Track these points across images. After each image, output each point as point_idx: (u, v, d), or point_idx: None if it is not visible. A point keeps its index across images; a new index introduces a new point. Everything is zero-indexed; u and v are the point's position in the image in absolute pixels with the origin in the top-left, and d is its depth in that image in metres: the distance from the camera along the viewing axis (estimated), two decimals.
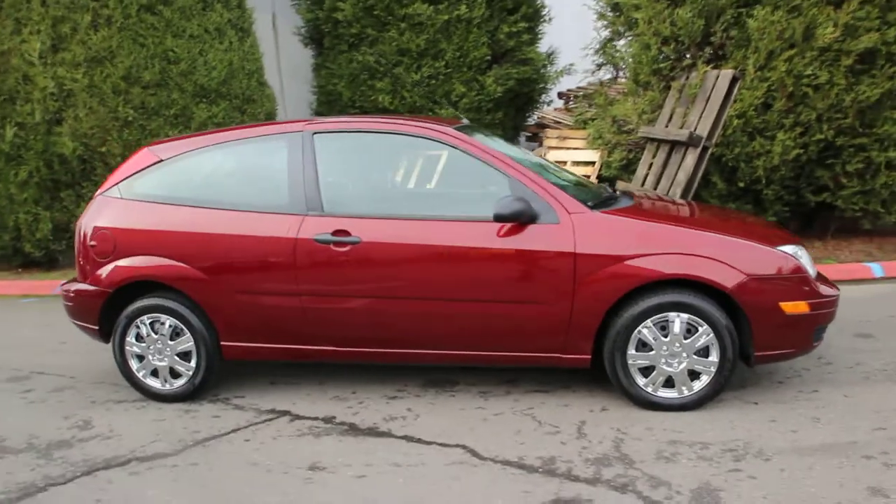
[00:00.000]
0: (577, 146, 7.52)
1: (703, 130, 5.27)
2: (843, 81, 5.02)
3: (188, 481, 2.66)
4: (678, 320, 2.94)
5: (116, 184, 3.47)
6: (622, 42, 6.66)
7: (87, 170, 6.32)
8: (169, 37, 6.31)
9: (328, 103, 8.26)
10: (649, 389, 3.03)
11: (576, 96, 8.76)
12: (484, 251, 3.04)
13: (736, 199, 5.85)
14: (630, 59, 6.30)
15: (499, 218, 2.91)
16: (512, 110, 8.37)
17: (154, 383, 3.45)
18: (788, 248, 3.04)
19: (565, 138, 7.78)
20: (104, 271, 3.37)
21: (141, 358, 3.43)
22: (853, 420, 2.86)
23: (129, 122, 6.19)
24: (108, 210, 3.45)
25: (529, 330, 3.08)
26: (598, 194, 3.47)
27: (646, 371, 3.03)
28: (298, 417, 3.20)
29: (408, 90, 7.60)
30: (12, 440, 3.09)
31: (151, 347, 3.40)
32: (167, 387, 3.43)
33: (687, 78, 5.77)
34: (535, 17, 8.18)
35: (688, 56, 5.85)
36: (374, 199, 3.33)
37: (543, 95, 8.70)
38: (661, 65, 5.98)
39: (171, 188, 3.41)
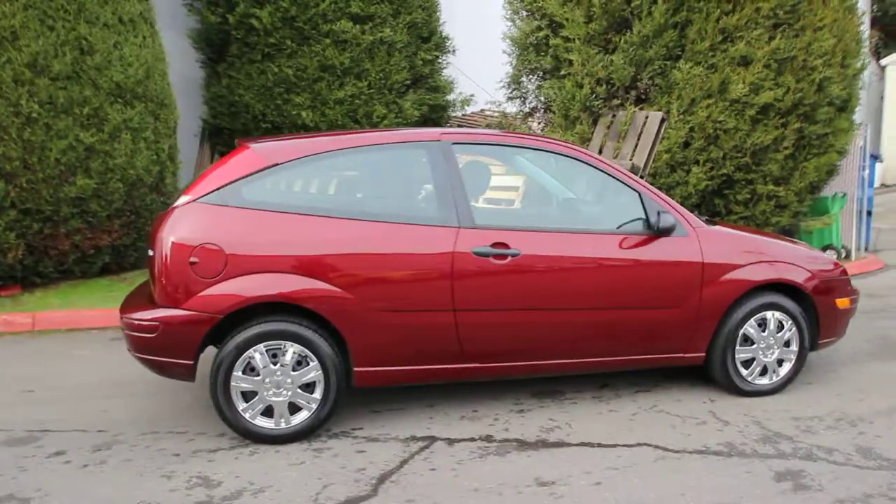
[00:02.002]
0: (498, 172, 8.00)
1: (639, 162, 6.16)
2: (746, 127, 6.32)
3: None
4: (773, 318, 3.53)
5: (216, 189, 2.94)
6: (546, 81, 7.33)
7: None
8: (82, 22, 5.30)
9: (230, 115, 7.56)
10: (750, 379, 3.55)
11: (467, 123, 9.31)
12: (632, 261, 3.29)
13: None
14: (560, 96, 7.00)
15: (660, 231, 3.21)
16: None
17: (265, 423, 2.97)
18: (828, 254, 3.85)
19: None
20: (212, 293, 2.84)
21: (250, 395, 2.94)
22: (882, 389, 3.73)
23: (32, 119, 5.01)
24: (210, 220, 2.91)
25: (661, 333, 3.40)
26: None
27: (746, 364, 3.55)
28: (454, 440, 3.05)
29: (330, 107, 7.36)
30: None
31: (268, 381, 2.93)
32: (282, 426, 2.98)
33: (614, 116, 6.66)
34: (442, 47, 8.54)
35: (616, 98, 6.75)
36: (522, 211, 3.34)
37: (448, 123, 9.06)
38: (594, 103, 6.79)
39: (293, 196, 3.03)
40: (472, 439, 3.07)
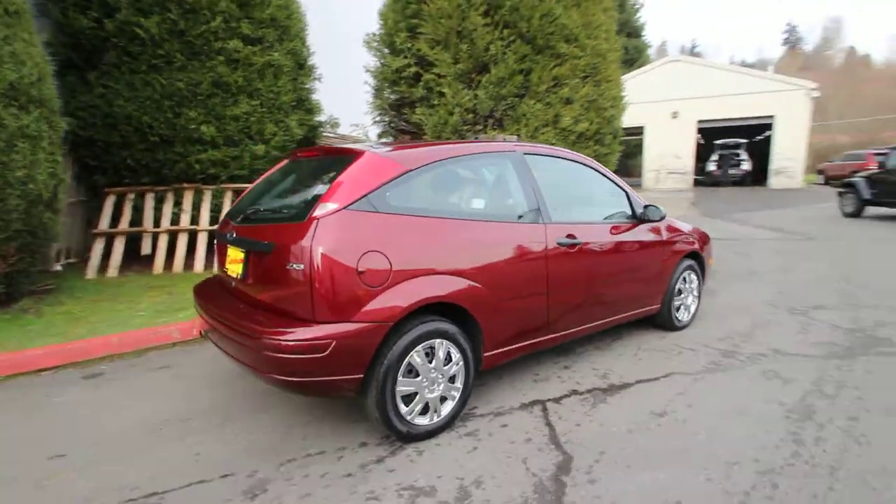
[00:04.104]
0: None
1: None
2: (567, 147, 7.14)
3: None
4: (692, 275, 4.18)
5: (364, 196, 2.33)
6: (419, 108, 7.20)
7: None
8: None
9: (105, 126, 5.73)
10: (680, 317, 4.14)
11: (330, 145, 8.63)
12: (636, 242, 3.58)
13: None
14: (431, 121, 6.96)
15: (661, 219, 3.56)
16: None
17: (423, 421, 2.50)
18: None
19: None
20: (382, 302, 2.27)
21: (409, 398, 2.43)
22: (732, 318, 4.69)
23: None
24: (369, 228, 2.30)
25: (646, 291, 3.77)
26: None
27: (678, 309, 4.14)
28: (557, 399, 2.95)
29: (227, 123, 6.12)
30: None
31: (426, 379, 2.47)
32: (434, 420, 2.55)
33: (477, 138, 6.91)
34: (310, 74, 7.73)
35: (479, 124, 7.01)
36: (566, 208, 3.29)
37: (318, 141, 8.21)
38: (462, 127, 6.94)
39: (424, 200, 2.56)
40: (567, 395, 3.02)
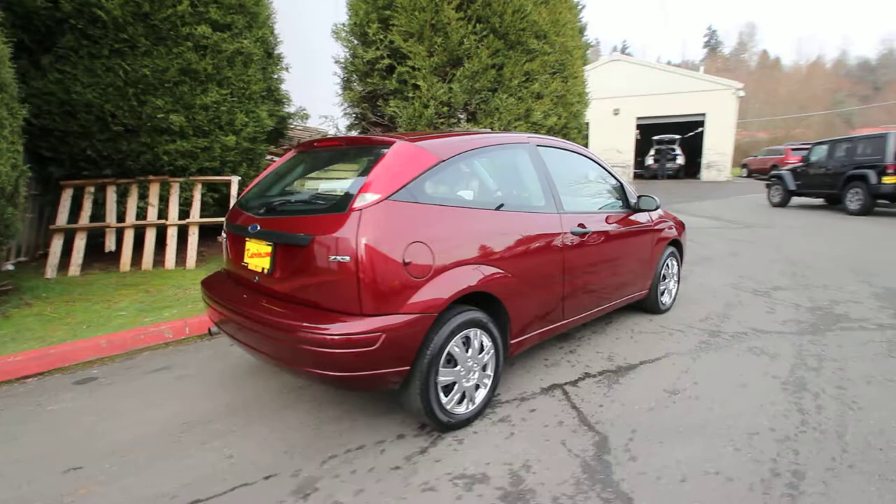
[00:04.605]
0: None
1: None
2: None
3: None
4: (673, 262, 4.37)
5: (405, 185, 2.26)
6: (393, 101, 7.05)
7: None
8: None
9: (63, 115, 5.22)
10: (664, 300, 4.32)
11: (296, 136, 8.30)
12: (642, 228, 3.71)
13: None
14: (406, 113, 6.85)
15: (655, 209, 3.69)
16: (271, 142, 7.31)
17: (460, 410, 2.48)
18: None
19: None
20: (427, 293, 2.22)
21: (449, 388, 2.40)
22: (705, 301, 4.95)
23: None
24: (412, 218, 2.23)
25: (639, 279, 3.90)
26: None
27: (661, 293, 4.32)
28: (574, 382, 3.01)
29: (196, 112, 5.73)
30: None
31: (463, 368, 2.45)
32: (469, 408, 2.53)
33: (451, 131, 6.88)
34: (278, 64, 7.38)
35: (453, 116, 6.96)
36: (575, 198, 3.33)
37: (287, 133, 7.86)
38: (437, 120, 6.87)
39: (456, 190, 2.51)
40: (582, 378, 3.08)
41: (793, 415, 2.59)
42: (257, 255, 2.50)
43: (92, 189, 5.69)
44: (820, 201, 13.24)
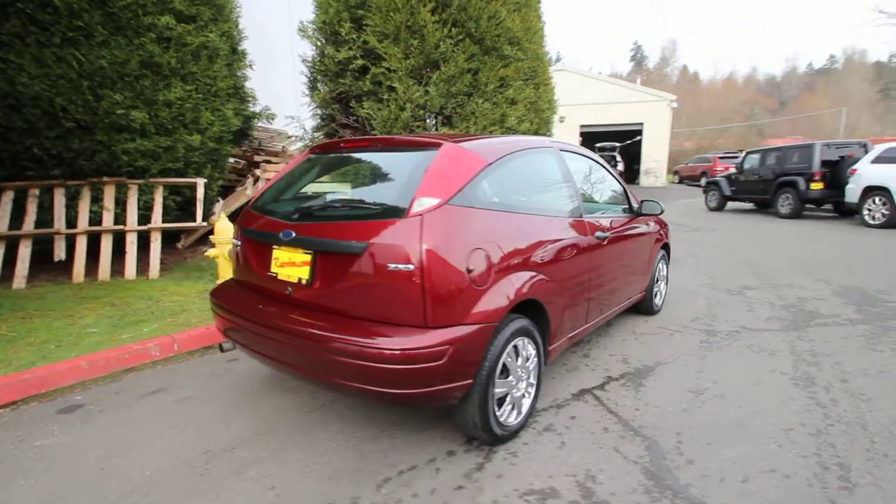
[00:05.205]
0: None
1: None
2: None
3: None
4: (664, 263, 4.51)
5: (461, 189, 2.14)
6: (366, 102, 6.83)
7: None
8: None
9: (5, 108, 4.61)
10: (657, 303, 4.44)
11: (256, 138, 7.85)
12: (643, 232, 3.79)
13: None
14: (380, 116, 6.66)
15: (660, 213, 3.78)
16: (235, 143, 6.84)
17: (511, 421, 2.39)
18: None
19: None
20: (488, 302, 2.11)
21: (502, 399, 2.31)
22: (693, 299, 5.15)
23: None
24: (469, 223, 2.11)
25: (639, 281, 3.97)
26: None
27: (655, 295, 4.43)
28: (599, 387, 3.00)
29: (159, 108, 5.25)
30: None
31: (514, 378, 2.36)
32: (518, 419, 2.44)
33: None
34: (243, 60, 6.93)
35: (429, 119, 6.85)
36: (591, 203, 3.31)
37: (252, 132, 7.38)
38: (414, 123, 6.73)
39: (500, 195, 2.42)
40: (607, 382, 3.08)
41: (814, 409, 2.72)
42: (290, 265, 2.29)
43: (37, 191, 5.07)
44: (751, 206, 14.31)
